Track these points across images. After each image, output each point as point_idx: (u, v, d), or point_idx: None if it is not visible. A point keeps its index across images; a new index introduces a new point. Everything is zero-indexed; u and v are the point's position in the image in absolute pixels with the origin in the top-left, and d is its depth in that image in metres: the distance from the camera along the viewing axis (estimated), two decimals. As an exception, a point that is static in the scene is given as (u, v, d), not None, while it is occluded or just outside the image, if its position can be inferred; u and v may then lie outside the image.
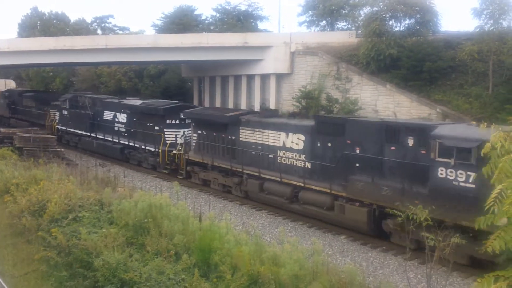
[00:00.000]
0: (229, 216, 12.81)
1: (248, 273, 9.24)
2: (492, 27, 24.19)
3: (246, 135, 19.40)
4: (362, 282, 9.72)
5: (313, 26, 43.96)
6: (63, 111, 33.72)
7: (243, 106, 35.15)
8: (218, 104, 38.44)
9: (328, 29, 42.37)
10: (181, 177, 22.74)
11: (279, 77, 34.02)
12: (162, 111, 24.26)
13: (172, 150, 23.41)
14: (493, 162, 6.57)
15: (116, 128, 28.03)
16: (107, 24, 64.99)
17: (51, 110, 36.05)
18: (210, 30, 47.81)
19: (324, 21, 43.17)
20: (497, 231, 6.32)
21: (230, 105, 36.68)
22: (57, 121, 34.64)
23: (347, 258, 13.13)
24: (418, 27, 28.68)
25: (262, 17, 48.98)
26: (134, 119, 26.44)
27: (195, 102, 41.22)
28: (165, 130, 24.00)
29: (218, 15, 49.45)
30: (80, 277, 10.55)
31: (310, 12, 43.44)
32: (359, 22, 38.87)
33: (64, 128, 33.51)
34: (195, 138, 22.53)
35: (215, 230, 10.97)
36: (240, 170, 18.95)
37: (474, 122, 12.44)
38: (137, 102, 28.07)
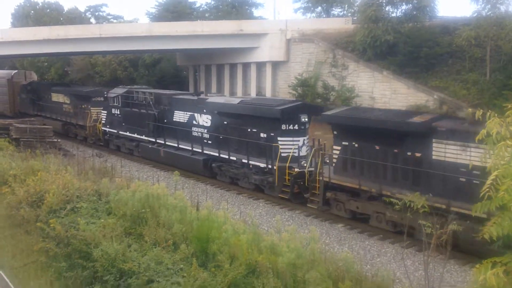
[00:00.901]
0: (226, 205, 12.84)
1: (246, 262, 9.28)
2: (490, 12, 24.04)
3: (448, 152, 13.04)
4: (360, 270, 9.81)
5: (309, 12, 43.69)
6: (113, 109, 27.36)
7: (239, 94, 35.02)
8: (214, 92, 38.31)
9: (324, 16, 42.07)
10: (314, 206, 16.65)
11: (275, 64, 33.86)
12: (278, 113, 17.90)
13: (293, 167, 17.64)
14: (489, 148, 6.58)
15: (195, 134, 22.05)
16: (100, 13, 64.45)
17: (92, 108, 30.04)
18: (205, 17, 47.44)
19: (319, 7, 42.87)
20: (494, 218, 6.37)
21: (227, 93, 36.54)
22: (103, 121, 28.60)
23: (344, 247, 13.22)
24: (415, 13, 28.50)
25: (257, 4, 48.65)
26: (225, 123, 20.58)
27: (191, 90, 41.09)
28: (279, 138, 18.08)
29: (212, 2, 49.09)
30: (79, 267, 10.58)
31: (306, -1, 43.07)
32: (355, 8, 38.63)
33: (114, 130, 27.41)
34: (337, 151, 16.32)
35: (212, 220, 11.00)
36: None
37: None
38: (231, 100, 21.63)
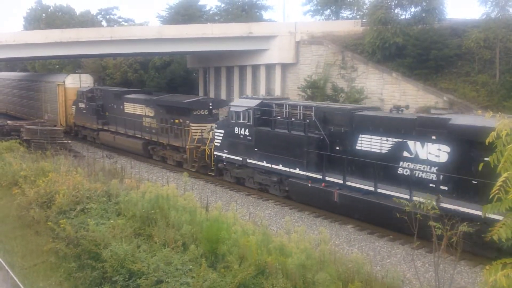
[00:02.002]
0: (235, 206, 12.84)
1: (255, 263, 9.27)
2: (499, 14, 23.91)
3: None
4: (370, 271, 9.75)
5: (318, 15, 43.71)
6: (237, 128, 19.41)
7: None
8: (223, 95, 38.40)
9: (333, 18, 42.05)
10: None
11: (284, 66, 33.87)
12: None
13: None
14: (499, 150, 6.54)
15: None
16: (112, 16, 64.98)
17: (193, 124, 22.77)
18: (215, 20, 47.60)
19: (328, 10, 42.86)
20: (503, 219, 6.32)
21: (236, 95, 36.61)
22: (217, 144, 20.66)
23: (354, 248, 13.15)
24: (424, 15, 28.40)
25: (266, 6, 48.80)
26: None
27: (201, 93, 41.23)
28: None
29: (222, 5, 49.26)
30: (89, 268, 10.65)
31: (315, 1, 43.13)
32: (364, 11, 38.55)
33: (237, 157, 19.54)
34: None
35: (222, 221, 11.01)
36: None
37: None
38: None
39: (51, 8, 65.33)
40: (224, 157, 20.28)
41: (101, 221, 12.13)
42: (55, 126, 31.23)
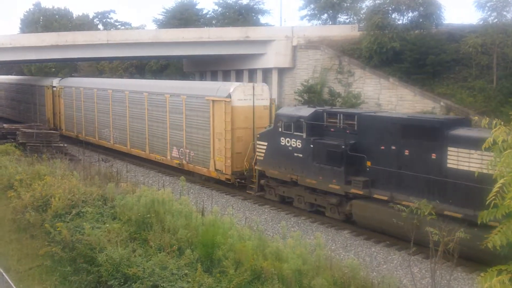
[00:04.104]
0: (232, 211, 12.80)
1: (251, 268, 9.24)
2: (496, 20, 24.03)
3: None
4: (366, 277, 9.72)
5: (315, 19, 43.82)
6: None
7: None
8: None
9: (330, 23, 42.18)
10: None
11: (281, 71, 33.92)
12: None
13: None
14: (495, 156, 6.56)
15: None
16: (108, 20, 65.01)
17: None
18: (212, 24, 47.70)
19: (325, 15, 42.98)
20: (498, 226, 6.33)
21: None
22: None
23: (350, 253, 13.12)
24: (421, 20, 28.52)
25: (263, 11, 48.82)
26: None
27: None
28: None
29: (219, 9, 49.33)
30: (84, 272, 10.60)
31: (312, 6, 43.24)
32: (361, 15, 38.66)
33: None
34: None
35: (218, 225, 10.98)
36: None
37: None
38: None
39: (49, 11, 65.27)
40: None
41: (97, 225, 12.09)
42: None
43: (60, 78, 35.65)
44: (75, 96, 31.80)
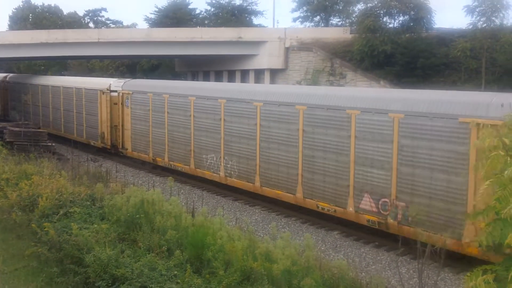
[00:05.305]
0: (222, 211, 12.76)
1: (241, 269, 9.21)
2: (485, 24, 24.34)
3: None
4: (354, 278, 9.74)
5: (307, 21, 44.10)
6: None
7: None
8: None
9: (322, 25, 42.40)
10: None
11: (274, 72, 33.99)
12: None
13: None
14: (482, 158, 6.63)
15: None
16: (99, 18, 64.69)
17: None
18: (205, 24, 47.66)
19: (318, 17, 43.24)
20: (485, 227, 6.40)
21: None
22: None
23: (340, 254, 13.14)
24: (412, 24, 28.83)
25: (256, 12, 48.99)
26: None
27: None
28: None
29: (212, 9, 49.35)
30: (71, 273, 10.46)
31: (304, 8, 43.43)
32: (353, 18, 38.92)
33: None
34: None
35: (208, 226, 10.93)
36: None
37: None
38: None
39: (39, 8, 64.73)
40: None
41: (85, 225, 11.95)
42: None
43: (124, 80, 26.37)
44: (154, 106, 22.15)
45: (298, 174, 15.36)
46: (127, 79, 27.50)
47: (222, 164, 18.21)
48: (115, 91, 25.40)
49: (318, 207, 14.97)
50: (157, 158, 22.23)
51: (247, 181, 17.30)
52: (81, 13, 66.45)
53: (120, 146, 24.78)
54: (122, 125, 24.61)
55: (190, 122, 19.77)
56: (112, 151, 25.67)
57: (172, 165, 21.15)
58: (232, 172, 17.87)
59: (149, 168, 24.13)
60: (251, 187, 17.22)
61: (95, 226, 11.75)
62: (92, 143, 27.37)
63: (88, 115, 27.73)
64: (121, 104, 24.66)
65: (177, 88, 21.68)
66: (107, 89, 26.06)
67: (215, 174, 18.65)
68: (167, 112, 21.09)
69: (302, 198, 15.35)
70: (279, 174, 16.04)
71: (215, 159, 18.44)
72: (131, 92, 24.02)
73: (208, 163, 18.92)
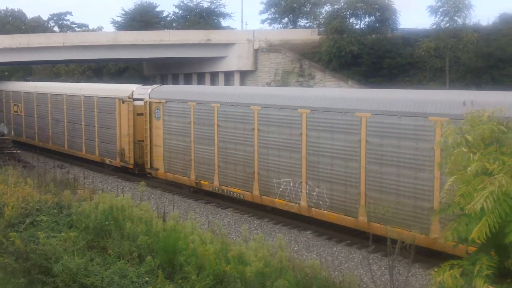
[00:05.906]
0: (194, 215, 12.66)
1: (213, 273, 9.15)
2: (448, 24, 25.06)
3: None
4: (328, 277, 9.82)
5: (276, 23, 44.35)
6: None
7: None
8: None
9: (291, 27, 42.73)
10: None
11: (243, 74, 34.03)
12: None
13: None
14: (446, 155, 6.81)
15: None
16: (64, 22, 63.22)
17: None
18: (172, 27, 47.27)
19: (286, 19, 43.54)
20: (450, 223, 6.57)
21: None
22: None
23: (312, 254, 13.24)
24: (377, 25, 29.40)
25: (225, 14, 48.97)
26: None
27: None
28: None
29: (180, 12, 49.01)
30: (39, 283, 10.18)
31: (273, 10, 43.67)
32: (320, 20, 39.41)
33: None
34: None
35: (179, 230, 10.81)
36: None
37: None
38: None
39: (2, 12, 62.77)
40: None
41: (52, 234, 11.65)
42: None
43: (151, 87, 21.51)
44: (198, 117, 17.88)
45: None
46: (156, 85, 22.75)
47: (304, 190, 14.37)
48: (140, 99, 21.03)
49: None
50: (201, 181, 18.05)
51: (345, 214, 13.43)
52: (45, 17, 64.89)
53: (148, 166, 20.26)
54: (151, 141, 20.10)
55: (253, 137, 15.62)
56: (136, 171, 21.33)
57: (225, 191, 17.21)
58: (321, 202, 14.04)
59: (118, 174, 23.07)
60: (352, 222, 13.39)
61: (63, 234, 11.48)
62: (107, 162, 22.92)
63: (101, 128, 23.18)
64: (149, 115, 19.99)
65: (231, 96, 17.13)
66: (129, 97, 21.60)
67: (295, 204, 14.76)
68: (217, 125, 16.95)
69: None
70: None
71: (297, 186, 14.62)
72: (163, 101, 19.34)
73: (281, 192, 15.15)
